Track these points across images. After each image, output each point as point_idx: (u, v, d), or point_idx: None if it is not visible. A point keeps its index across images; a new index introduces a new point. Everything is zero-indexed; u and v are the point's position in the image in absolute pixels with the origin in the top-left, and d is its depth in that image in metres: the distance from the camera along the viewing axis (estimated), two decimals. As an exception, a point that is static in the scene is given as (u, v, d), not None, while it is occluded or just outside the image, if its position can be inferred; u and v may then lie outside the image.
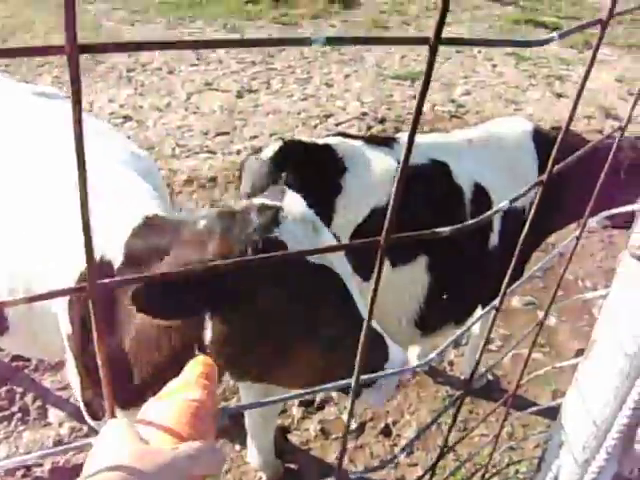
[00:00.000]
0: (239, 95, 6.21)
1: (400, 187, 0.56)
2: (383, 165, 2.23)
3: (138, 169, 1.90)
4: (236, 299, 1.28)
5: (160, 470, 0.60)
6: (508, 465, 2.68)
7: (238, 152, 5.12)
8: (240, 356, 1.37)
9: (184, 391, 0.75)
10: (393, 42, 0.51)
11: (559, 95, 6.90)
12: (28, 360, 3.08)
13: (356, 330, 1.34)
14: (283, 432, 2.88)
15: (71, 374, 1.77)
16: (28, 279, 1.71)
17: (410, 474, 2.75)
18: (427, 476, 1.29)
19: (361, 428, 2.95)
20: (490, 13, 10.07)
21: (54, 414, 2.87)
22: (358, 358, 0.70)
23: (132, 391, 1.53)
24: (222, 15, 8.73)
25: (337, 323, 1.32)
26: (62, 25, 0.38)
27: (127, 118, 5.57)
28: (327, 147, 2.22)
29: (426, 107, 6.25)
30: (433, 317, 2.53)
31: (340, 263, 1.37)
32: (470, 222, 0.73)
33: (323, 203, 2.04)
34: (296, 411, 2.98)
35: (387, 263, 2.24)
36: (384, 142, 2.35)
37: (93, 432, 2.23)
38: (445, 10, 0.47)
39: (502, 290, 0.91)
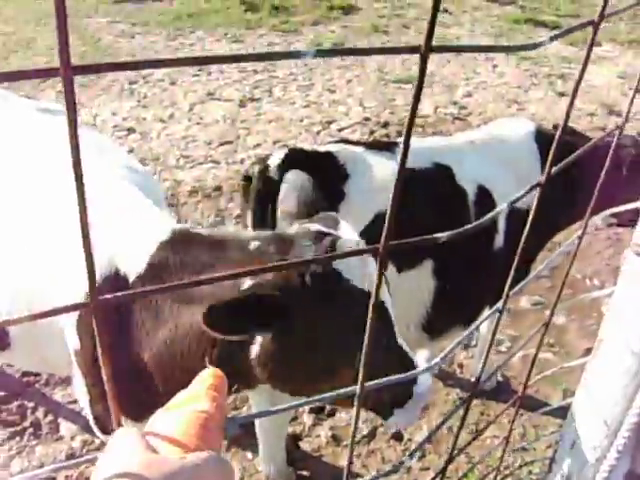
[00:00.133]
0: (241, 104, 6.23)
1: (397, 194, 0.57)
2: (385, 170, 2.23)
3: (139, 184, 1.91)
4: (289, 319, 1.31)
5: (167, 479, 0.60)
6: (520, 466, 2.67)
7: (242, 161, 5.14)
8: (284, 371, 1.42)
9: (193, 402, 0.75)
10: (384, 52, 0.51)
11: (561, 94, 6.89)
12: (38, 375, 3.09)
13: (394, 354, 1.39)
14: (294, 439, 2.88)
15: (78, 389, 1.78)
16: (33, 294, 1.72)
17: (423, 478, 2.74)
18: (438, 479, 1.29)
19: (373, 433, 2.94)
20: (489, 13, 10.07)
21: (66, 427, 2.88)
22: (362, 364, 0.70)
23: (148, 404, 1.54)
24: (222, 25, 8.75)
25: (378, 346, 1.36)
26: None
27: (131, 130, 5.60)
28: (329, 154, 2.22)
29: (429, 109, 6.26)
30: (440, 320, 2.53)
31: (384, 290, 1.42)
32: (469, 226, 0.73)
33: (327, 210, 2.04)
34: (307, 418, 2.98)
35: (393, 269, 2.24)
36: (386, 147, 2.36)
37: (104, 446, 2.24)
38: (434, 18, 0.47)
39: (505, 292, 0.91)
